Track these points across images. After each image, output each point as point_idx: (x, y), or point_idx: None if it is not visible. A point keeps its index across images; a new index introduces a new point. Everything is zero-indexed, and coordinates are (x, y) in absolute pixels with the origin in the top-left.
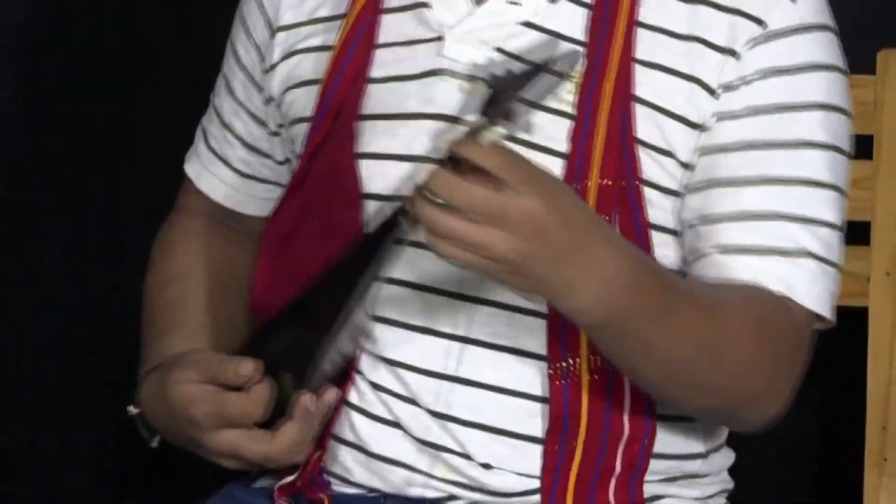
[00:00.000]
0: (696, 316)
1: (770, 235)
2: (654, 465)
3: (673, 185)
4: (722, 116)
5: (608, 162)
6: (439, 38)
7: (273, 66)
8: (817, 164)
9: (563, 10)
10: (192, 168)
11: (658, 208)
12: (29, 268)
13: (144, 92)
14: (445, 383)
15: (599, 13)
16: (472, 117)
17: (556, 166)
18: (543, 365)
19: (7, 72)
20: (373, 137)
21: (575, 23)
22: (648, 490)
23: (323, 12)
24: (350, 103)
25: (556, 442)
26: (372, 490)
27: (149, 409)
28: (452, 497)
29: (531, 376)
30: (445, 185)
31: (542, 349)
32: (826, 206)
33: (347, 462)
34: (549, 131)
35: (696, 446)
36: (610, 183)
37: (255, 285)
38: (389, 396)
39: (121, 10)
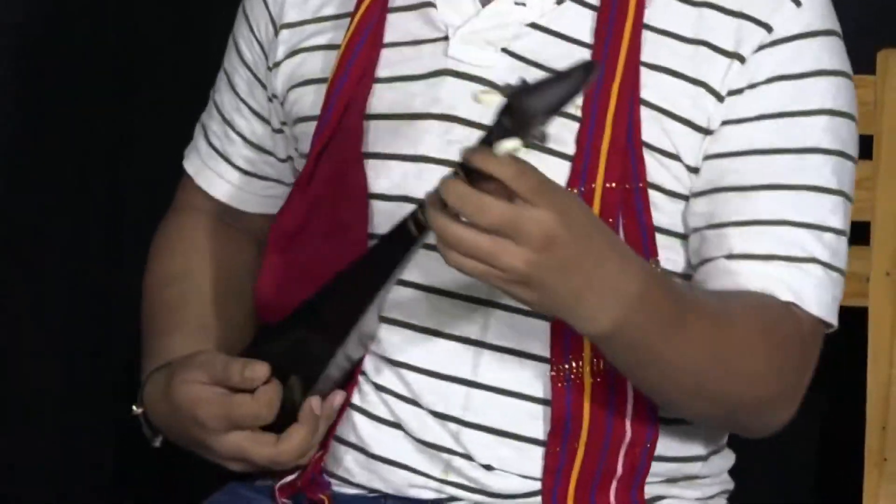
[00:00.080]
0: (704, 325)
1: (778, 242)
2: (655, 467)
3: (679, 189)
4: (728, 121)
5: (614, 165)
6: (445, 38)
7: (277, 64)
8: (824, 170)
9: (570, 11)
10: (191, 165)
11: (664, 212)
12: (29, 268)
13: (144, 92)
14: (449, 385)
15: (606, 15)
16: (486, 126)
17: (561, 168)
18: (546, 367)
19: (7, 72)
20: (378, 137)
21: (581, 25)
22: (649, 491)
23: (328, 10)
24: (356, 102)
25: (557, 444)
26: (372, 491)
27: (153, 409)
28: (453, 498)
29: (533, 378)
30: (457, 195)
31: (545, 351)
32: (832, 212)
33: (348, 463)
34: (555, 134)
35: (697, 449)
36: (615, 186)
37: (261, 284)
38: (391, 397)
39: (121, 10)
